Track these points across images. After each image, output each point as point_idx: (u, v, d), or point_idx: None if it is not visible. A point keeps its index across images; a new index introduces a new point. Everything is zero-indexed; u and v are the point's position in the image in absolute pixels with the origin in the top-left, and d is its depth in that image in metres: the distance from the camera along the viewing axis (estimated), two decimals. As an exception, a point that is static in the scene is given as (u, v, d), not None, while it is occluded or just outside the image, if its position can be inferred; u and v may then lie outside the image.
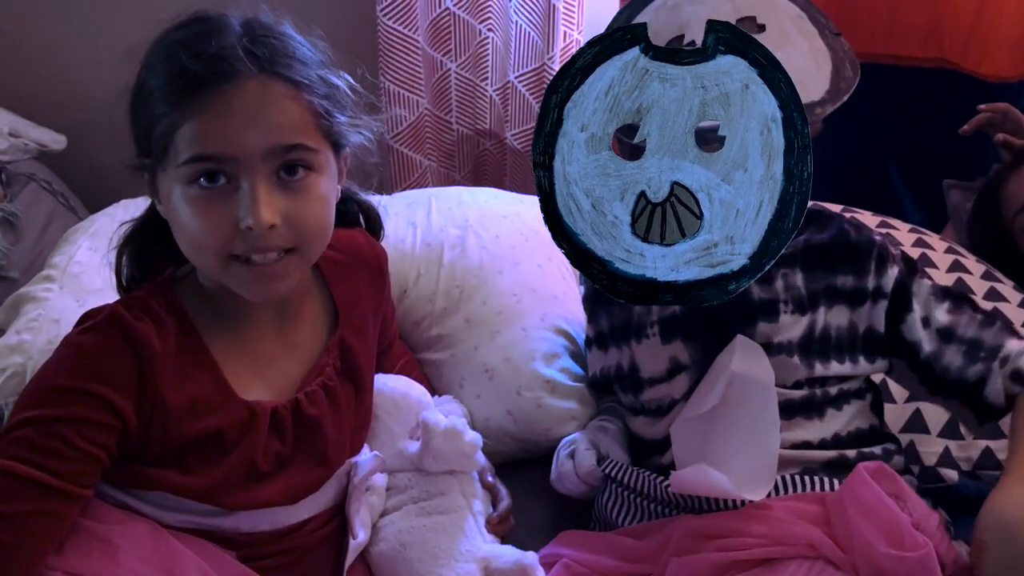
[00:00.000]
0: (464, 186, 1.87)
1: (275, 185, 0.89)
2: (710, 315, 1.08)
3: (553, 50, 1.80)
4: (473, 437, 1.10)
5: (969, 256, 1.46)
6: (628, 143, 0.98)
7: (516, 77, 1.87)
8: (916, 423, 1.30)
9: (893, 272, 1.11)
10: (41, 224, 1.82)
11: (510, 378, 1.32)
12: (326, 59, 0.96)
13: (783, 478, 1.03)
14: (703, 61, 0.95)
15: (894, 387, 1.32)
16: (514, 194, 1.64)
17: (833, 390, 1.09)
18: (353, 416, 1.06)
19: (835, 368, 1.09)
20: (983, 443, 1.27)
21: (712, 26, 0.95)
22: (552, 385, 1.31)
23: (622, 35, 0.95)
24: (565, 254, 1.00)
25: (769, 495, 1.01)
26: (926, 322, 1.10)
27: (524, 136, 1.89)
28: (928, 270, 1.35)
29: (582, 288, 1.38)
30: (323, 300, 1.06)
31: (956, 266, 1.42)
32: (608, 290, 0.99)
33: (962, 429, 1.28)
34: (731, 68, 0.95)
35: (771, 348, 1.07)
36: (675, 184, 0.97)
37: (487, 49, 1.87)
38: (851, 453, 1.07)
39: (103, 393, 0.87)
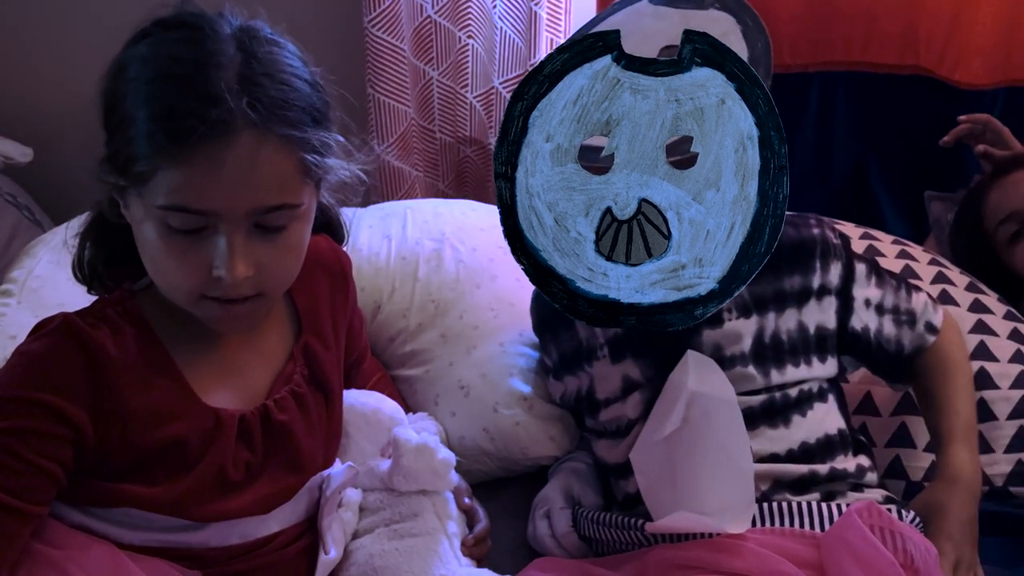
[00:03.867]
0: (447, 196, 1.88)
1: (253, 235, 0.86)
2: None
3: (537, 56, 1.79)
4: (446, 455, 1.07)
5: (953, 268, 1.45)
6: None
7: (501, 83, 1.86)
8: (902, 437, 1.27)
9: (838, 268, 1.11)
10: (5, 239, 1.78)
11: (487, 395, 1.28)
12: (324, 97, 0.90)
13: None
14: (678, 73, 0.92)
15: (879, 399, 1.29)
16: (491, 206, 1.61)
17: (793, 392, 1.07)
18: (325, 425, 1.04)
19: (791, 373, 1.07)
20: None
21: (688, 36, 0.92)
22: (530, 402, 1.27)
23: (593, 42, 0.92)
24: (524, 270, 0.97)
25: None
26: (867, 303, 1.13)
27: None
28: (913, 282, 1.34)
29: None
30: (286, 306, 1.04)
31: (940, 278, 1.40)
32: (568, 310, 0.96)
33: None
34: (707, 81, 0.92)
35: (724, 361, 1.04)
36: (643, 201, 0.94)
37: (467, 56, 1.86)
38: (823, 469, 1.04)
39: (53, 403, 0.83)
